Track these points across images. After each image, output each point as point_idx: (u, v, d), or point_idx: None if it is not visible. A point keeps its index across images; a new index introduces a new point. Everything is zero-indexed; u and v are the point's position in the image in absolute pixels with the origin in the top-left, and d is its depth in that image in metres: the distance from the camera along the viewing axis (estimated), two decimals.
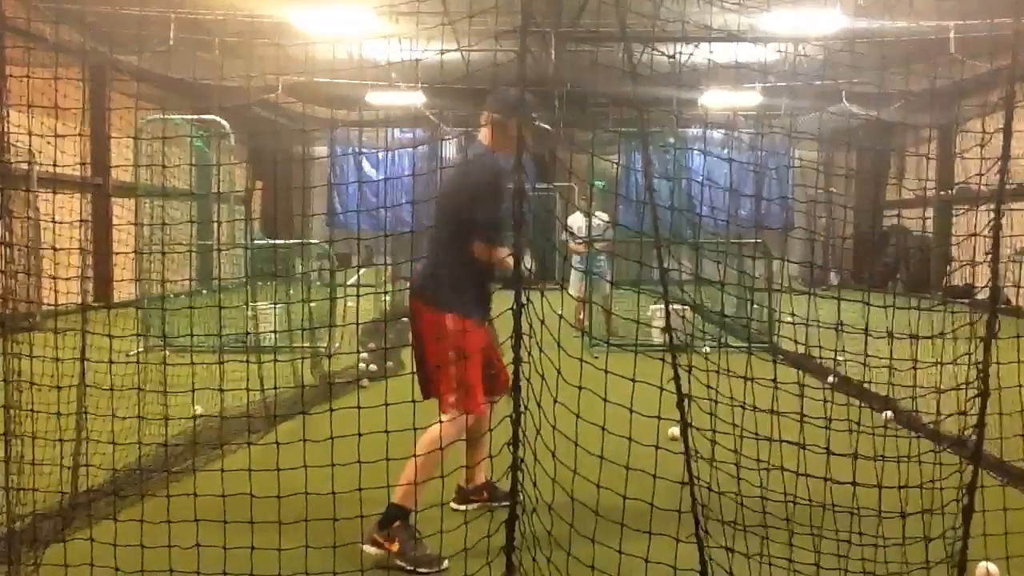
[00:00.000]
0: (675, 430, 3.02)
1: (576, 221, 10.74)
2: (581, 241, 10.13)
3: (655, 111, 3.32)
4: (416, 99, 15.75)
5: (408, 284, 3.96)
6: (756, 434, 2.96)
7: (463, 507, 4.10)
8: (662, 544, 2.93)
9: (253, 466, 3.19)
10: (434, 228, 3.90)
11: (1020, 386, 3.22)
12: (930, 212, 14.58)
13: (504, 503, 3.93)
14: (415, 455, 3.56)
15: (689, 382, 2.90)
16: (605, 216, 10.88)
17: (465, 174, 4.06)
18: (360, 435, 3.01)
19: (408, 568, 3.49)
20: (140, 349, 6.71)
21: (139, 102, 3.75)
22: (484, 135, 3.92)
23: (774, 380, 2.97)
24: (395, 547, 3.53)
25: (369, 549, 3.54)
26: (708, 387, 2.91)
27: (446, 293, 3.74)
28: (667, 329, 2.87)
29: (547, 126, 3.78)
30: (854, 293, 3.15)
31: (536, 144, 3.87)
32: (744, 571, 3.01)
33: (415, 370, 3.84)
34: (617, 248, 10.19)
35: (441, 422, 3.55)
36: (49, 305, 3.76)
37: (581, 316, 10.17)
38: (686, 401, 2.86)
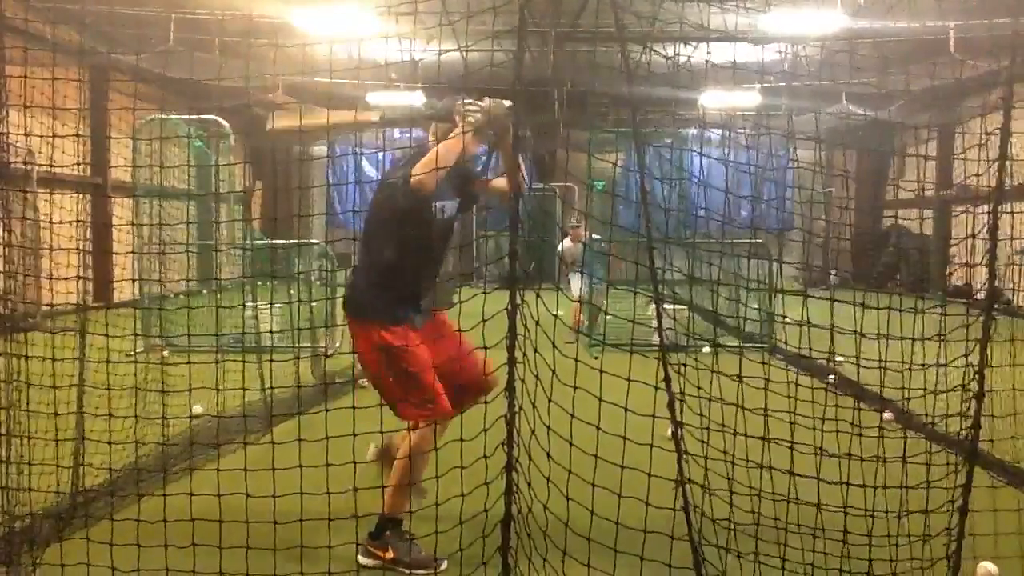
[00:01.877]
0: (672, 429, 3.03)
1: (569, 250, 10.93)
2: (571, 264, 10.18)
3: (653, 111, 3.32)
4: (416, 99, 15.76)
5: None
6: (750, 434, 2.96)
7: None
8: (657, 543, 2.94)
9: (250, 466, 3.20)
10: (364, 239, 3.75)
11: (1014, 389, 3.23)
12: (929, 212, 14.57)
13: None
14: (398, 459, 3.59)
15: (682, 383, 2.91)
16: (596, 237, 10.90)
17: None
18: (355, 435, 3.01)
19: (407, 572, 3.50)
20: (140, 349, 6.72)
21: (138, 102, 3.75)
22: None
23: (766, 380, 2.97)
24: (390, 555, 3.56)
25: (365, 560, 3.56)
26: (699, 388, 2.92)
27: (367, 301, 3.64)
28: (659, 329, 2.87)
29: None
30: (854, 294, 3.14)
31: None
32: (737, 571, 3.02)
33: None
34: (614, 248, 10.19)
35: (410, 431, 3.56)
36: (48, 305, 3.76)
37: (580, 317, 10.16)
38: (677, 401, 2.87)
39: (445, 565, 3.48)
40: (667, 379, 2.83)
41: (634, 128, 2.94)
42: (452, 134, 3.53)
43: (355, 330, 3.69)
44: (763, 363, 2.94)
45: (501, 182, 3.87)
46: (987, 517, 3.18)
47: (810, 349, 3.14)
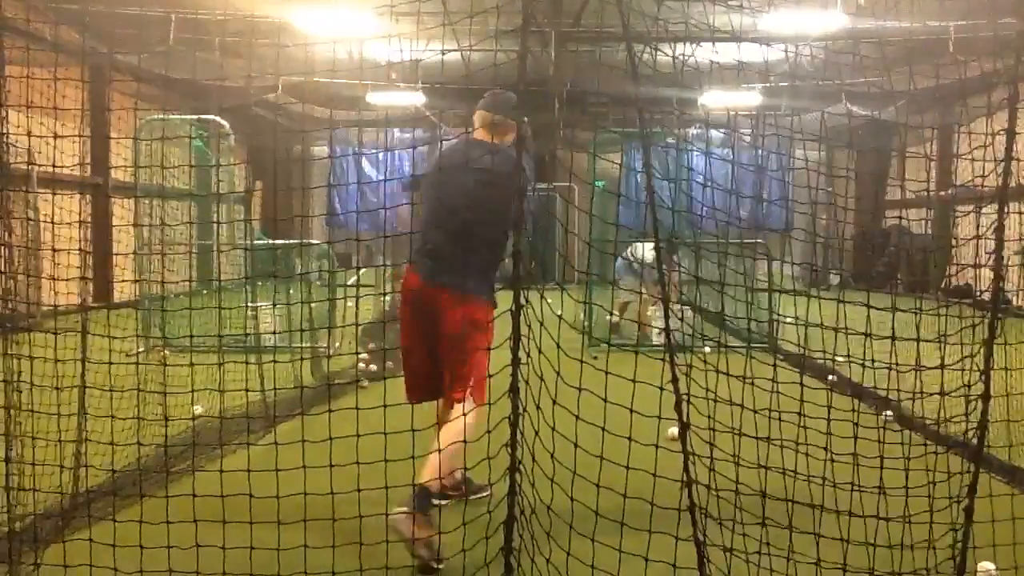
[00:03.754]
0: (674, 430, 3.02)
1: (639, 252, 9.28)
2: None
3: (656, 111, 3.32)
4: (416, 99, 15.74)
5: (425, 278, 3.99)
6: (757, 435, 2.95)
7: (442, 502, 4.01)
8: (661, 544, 2.93)
9: (252, 466, 3.19)
10: (457, 220, 3.99)
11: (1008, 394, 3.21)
12: (931, 213, 14.55)
13: (478, 495, 4.10)
14: (439, 450, 3.53)
15: (688, 383, 2.90)
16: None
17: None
18: (359, 436, 3.00)
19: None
20: (140, 349, 6.70)
21: (139, 102, 3.75)
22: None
23: (773, 380, 2.96)
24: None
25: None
26: (707, 389, 2.91)
27: (480, 283, 3.94)
28: (666, 329, 2.86)
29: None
30: (855, 294, 3.13)
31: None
32: (743, 571, 3.01)
33: (419, 369, 3.91)
34: (618, 249, 10.06)
35: (465, 415, 3.56)
36: (49, 306, 3.75)
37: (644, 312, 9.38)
38: (684, 402, 2.86)
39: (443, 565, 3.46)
40: (674, 379, 2.82)
41: (641, 128, 2.93)
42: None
43: (449, 303, 3.89)
44: (767, 363, 2.93)
45: None
46: (987, 516, 3.16)
47: (808, 349, 3.13)
